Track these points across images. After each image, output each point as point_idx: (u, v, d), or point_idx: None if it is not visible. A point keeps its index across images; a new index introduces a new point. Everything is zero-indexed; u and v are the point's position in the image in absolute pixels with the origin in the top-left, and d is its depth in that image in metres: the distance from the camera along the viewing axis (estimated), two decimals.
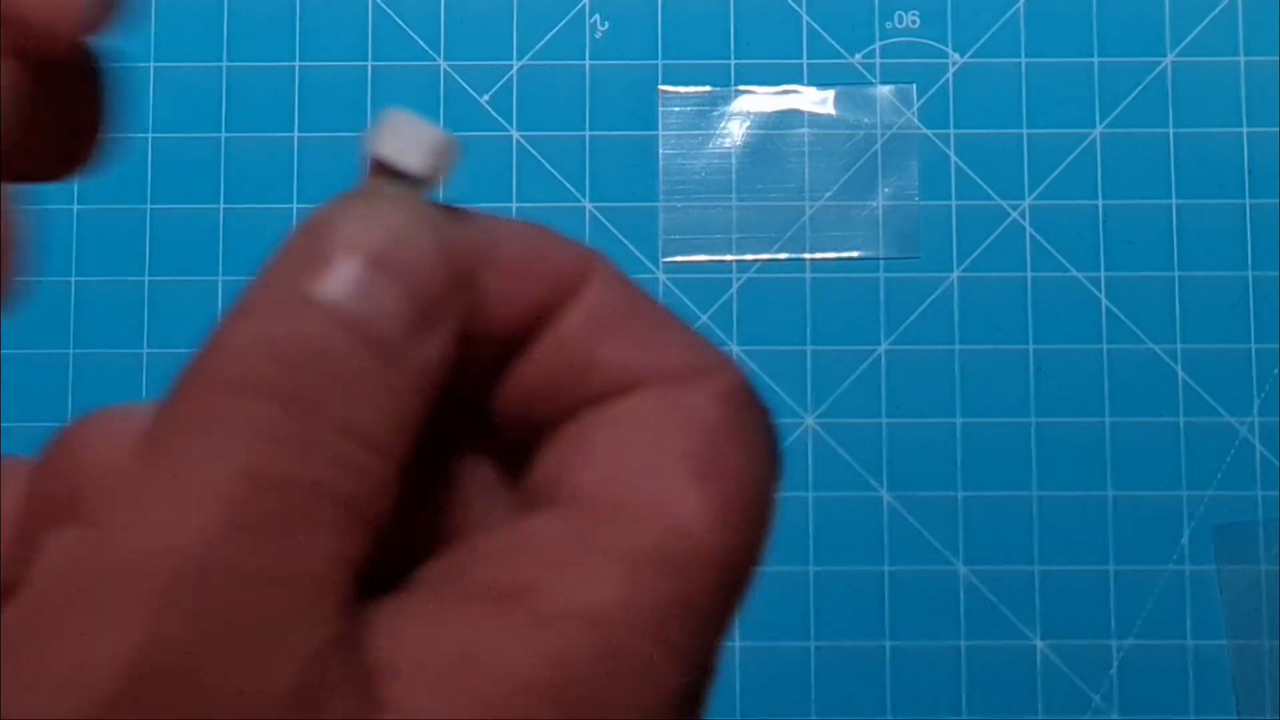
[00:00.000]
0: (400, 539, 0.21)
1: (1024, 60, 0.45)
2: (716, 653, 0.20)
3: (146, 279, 0.45)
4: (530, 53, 0.45)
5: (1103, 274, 0.44)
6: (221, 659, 0.17)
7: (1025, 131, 0.45)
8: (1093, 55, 0.45)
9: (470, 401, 0.21)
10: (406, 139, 0.19)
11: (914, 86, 0.45)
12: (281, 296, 0.19)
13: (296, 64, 0.46)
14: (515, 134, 0.45)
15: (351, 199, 0.19)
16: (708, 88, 0.45)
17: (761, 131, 0.45)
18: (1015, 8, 0.46)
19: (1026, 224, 0.45)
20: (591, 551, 0.19)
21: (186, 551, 0.17)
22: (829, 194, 0.45)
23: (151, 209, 0.45)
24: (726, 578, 0.19)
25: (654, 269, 0.44)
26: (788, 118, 0.45)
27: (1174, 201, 0.45)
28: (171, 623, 0.17)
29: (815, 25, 0.46)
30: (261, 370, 0.18)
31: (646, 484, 0.19)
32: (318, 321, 0.18)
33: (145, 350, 0.45)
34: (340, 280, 0.18)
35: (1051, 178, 0.45)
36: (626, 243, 0.44)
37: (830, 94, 0.45)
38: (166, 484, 0.18)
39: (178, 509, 0.17)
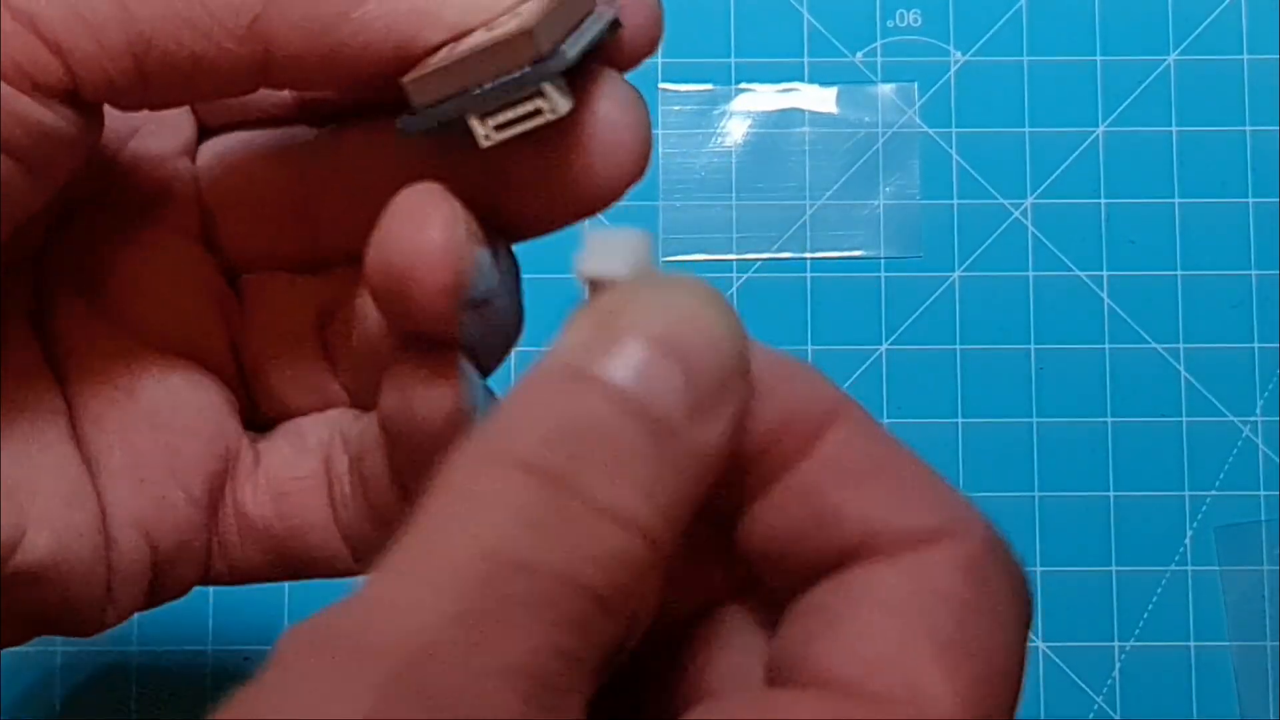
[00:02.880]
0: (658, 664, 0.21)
1: (1026, 59, 0.45)
2: None
3: None
4: None
5: (1105, 273, 0.44)
6: None
7: (1027, 130, 0.45)
8: (1095, 54, 0.45)
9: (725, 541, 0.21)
10: (608, 253, 0.20)
11: (915, 85, 0.45)
12: (563, 376, 0.18)
13: None
14: None
15: (640, 285, 0.19)
16: (708, 86, 0.45)
17: (762, 130, 0.45)
18: (1017, 6, 0.45)
19: (1028, 223, 0.44)
20: None
21: (417, 637, 0.17)
22: (830, 193, 0.45)
23: None
24: None
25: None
26: (788, 116, 0.45)
27: (1176, 200, 0.44)
28: (393, 707, 0.16)
29: (816, 23, 0.45)
30: (528, 447, 0.18)
31: (893, 668, 0.18)
32: (593, 399, 0.18)
33: None
34: (622, 360, 0.18)
35: (1054, 177, 0.45)
36: None
37: (831, 92, 0.45)
38: (413, 565, 0.17)
39: (416, 592, 0.17)
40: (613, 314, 0.19)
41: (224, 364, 0.27)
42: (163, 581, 0.26)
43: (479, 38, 0.22)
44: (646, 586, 0.18)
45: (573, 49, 0.22)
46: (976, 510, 0.20)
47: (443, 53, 0.23)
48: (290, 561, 0.27)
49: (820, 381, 0.20)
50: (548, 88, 0.22)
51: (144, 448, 0.26)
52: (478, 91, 0.22)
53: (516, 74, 0.22)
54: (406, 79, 0.23)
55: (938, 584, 0.19)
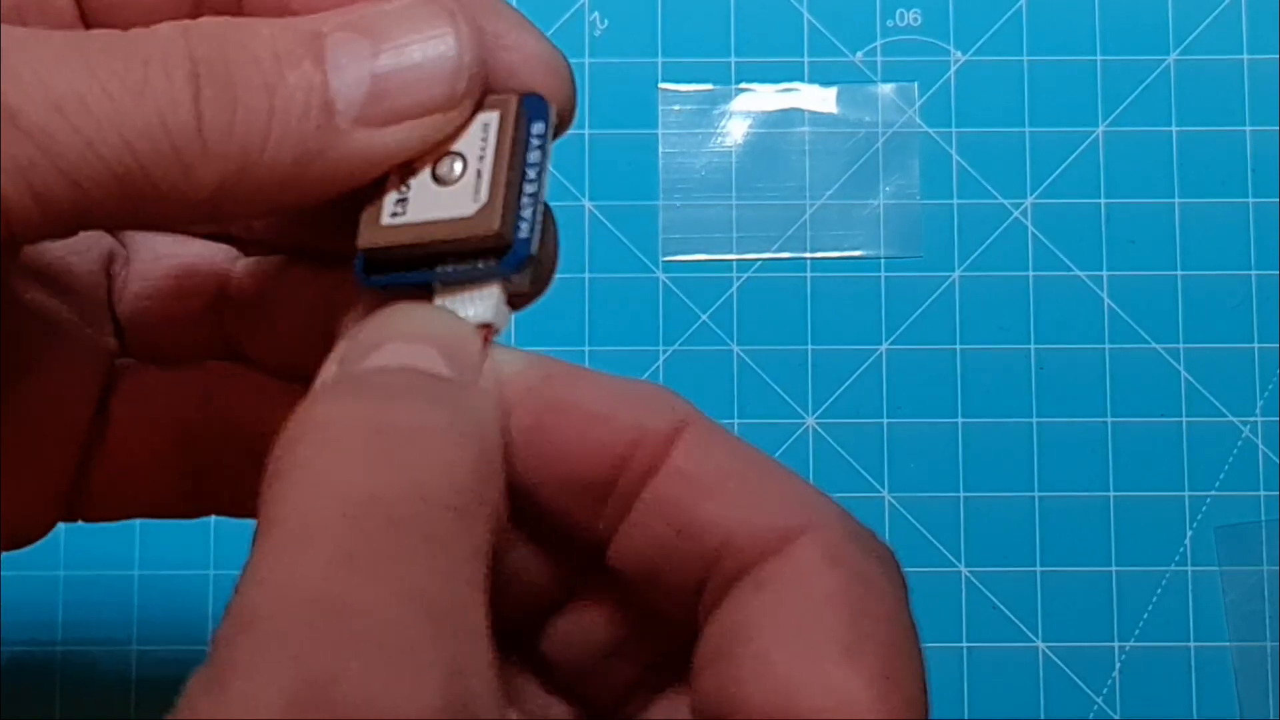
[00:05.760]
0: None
1: (1026, 58, 0.45)
2: None
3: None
4: None
5: (1105, 273, 0.44)
6: (364, 683, 0.17)
7: (1027, 130, 0.45)
8: (1095, 54, 0.45)
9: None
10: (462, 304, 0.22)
11: (915, 85, 0.45)
12: (352, 381, 0.21)
13: None
14: None
15: (385, 316, 0.22)
16: (708, 86, 0.45)
17: (762, 130, 0.45)
18: (1017, 6, 0.45)
19: (1028, 223, 0.44)
20: None
21: (310, 589, 0.18)
22: (830, 193, 0.45)
23: None
24: None
25: (654, 268, 0.44)
26: (788, 116, 0.45)
27: (1176, 200, 0.44)
28: (313, 657, 0.17)
29: (816, 23, 0.45)
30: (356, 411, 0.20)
31: (812, 686, 0.20)
32: (385, 381, 0.21)
33: None
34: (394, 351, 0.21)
35: (1054, 176, 0.45)
36: (626, 242, 0.44)
37: (831, 92, 0.45)
38: (287, 524, 0.19)
39: (297, 549, 0.18)
40: (374, 328, 0.22)
41: (101, 316, 0.27)
42: (10, 546, 0.26)
43: (431, 207, 0.22)
44: (486, 481, 0.20)
45: (535, 237, 0.23)
46: (831, 501, 0.21)
47: (390, 201, 0.23)
48: (135, 515, 0.27)
49: (664, 397, 0.22)
50: (513, 277, 0.23)
51: (11, 446, 0.25)
52: (441, 271, 0.23)
53: (481, 266, 0.22)
54: (363, 244, 0.23)
55: (814, 586, 0.20)
